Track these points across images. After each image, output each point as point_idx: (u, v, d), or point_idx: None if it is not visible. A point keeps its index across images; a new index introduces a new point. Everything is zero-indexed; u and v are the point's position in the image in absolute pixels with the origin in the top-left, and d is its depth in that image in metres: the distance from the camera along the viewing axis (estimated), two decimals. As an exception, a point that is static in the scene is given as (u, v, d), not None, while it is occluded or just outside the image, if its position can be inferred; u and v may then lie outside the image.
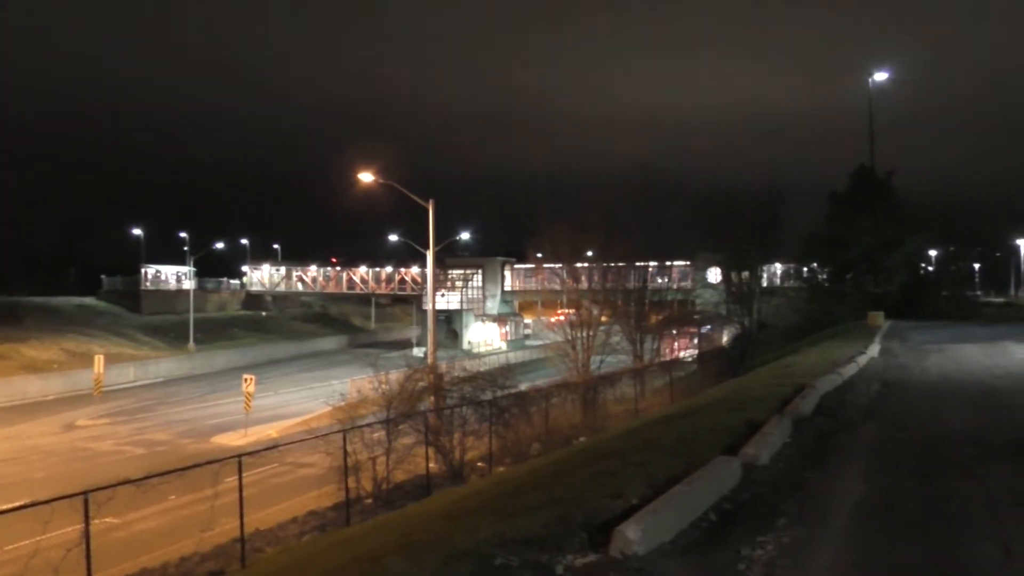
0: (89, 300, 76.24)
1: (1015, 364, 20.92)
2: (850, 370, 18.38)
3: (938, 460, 9.75)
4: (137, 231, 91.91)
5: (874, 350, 24.11)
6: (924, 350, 25.59)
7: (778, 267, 59.30)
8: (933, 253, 70.84)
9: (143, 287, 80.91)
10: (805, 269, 56.32)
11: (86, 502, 12.74)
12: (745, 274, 49.29)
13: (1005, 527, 6.86)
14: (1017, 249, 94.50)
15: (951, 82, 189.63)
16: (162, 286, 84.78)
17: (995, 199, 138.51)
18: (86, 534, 12.74)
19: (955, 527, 7.01)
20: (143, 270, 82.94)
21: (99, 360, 46.77)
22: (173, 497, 21.59)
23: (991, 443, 10.57)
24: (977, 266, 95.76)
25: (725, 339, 55.80)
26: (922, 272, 61.48)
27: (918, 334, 32.72)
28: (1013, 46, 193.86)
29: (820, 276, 54.64)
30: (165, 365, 64.88)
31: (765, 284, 51.37)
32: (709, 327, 60.18)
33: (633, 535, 6.14)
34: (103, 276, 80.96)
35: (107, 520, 15.65)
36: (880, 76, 43.77)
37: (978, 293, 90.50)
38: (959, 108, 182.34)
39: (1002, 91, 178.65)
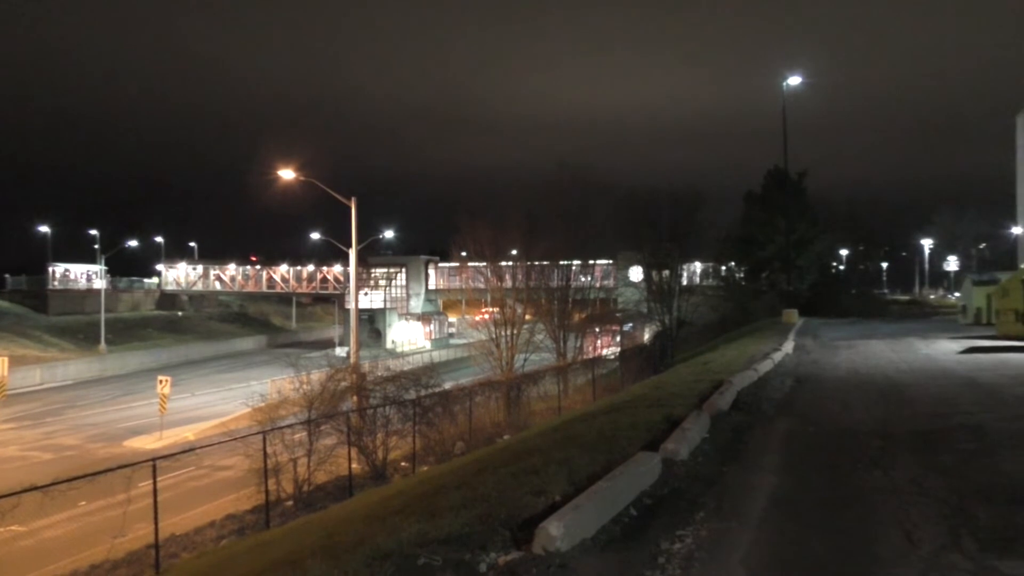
0: (-8, 299, 73.04)
1: (918, 359, 21.90)
2: (765, 366, 18.94)
3: (847, 452, 10.12)
4: (44, 228, 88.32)
5: (788, 347, 24.90)
6: (835, 346, 26.55)
7: (697, 266, 60.60)
8: (844, 252, 73.64)
9: (50, 286, 77.86)
10: (723, 268, 57.71)
11: (-11, 510, 12.24)
12: (665, 273, 50.17)
13: (909, 516, 7.16)
14: (921, 249, 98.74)
15: (864, 86, 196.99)
16: (71, 285, 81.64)
17: (902, 201, 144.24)
18: (-11, 544, 12.24)
19: (863, 517, 7.29)
20: (50, 269, 79.79)
21: (3, 362, 44.84)
22: (83, 503, 20.84)
23: (896, 435, 11.03)
24: (884, 265, 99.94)
25: (646, 337, 56.70)
26: (833, 271, 63.86)
27: (829, 331, 33.95)
28: (924, 51, 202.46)
29: (737, 275, 56.18)
30: (74, 367, 62.49)
31: (685, 283, 52.34)
32: (631, 325, 61.06)
33: (555, 532, 6.19)
34: (7, 275, 77.73)
35: (13, 528, 15.06)
36: (794, 80, 45.22)
37: (885, 291, 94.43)
38: (870, 112, 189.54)
39: (911, 96, 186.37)
